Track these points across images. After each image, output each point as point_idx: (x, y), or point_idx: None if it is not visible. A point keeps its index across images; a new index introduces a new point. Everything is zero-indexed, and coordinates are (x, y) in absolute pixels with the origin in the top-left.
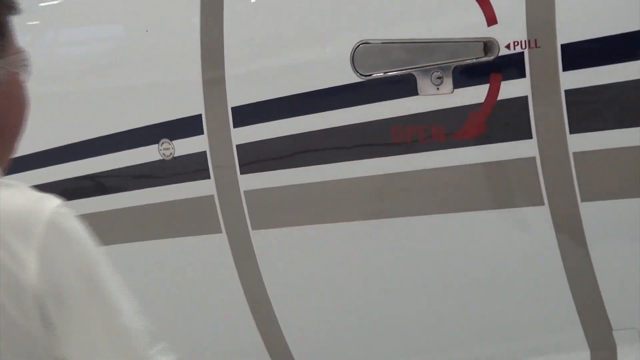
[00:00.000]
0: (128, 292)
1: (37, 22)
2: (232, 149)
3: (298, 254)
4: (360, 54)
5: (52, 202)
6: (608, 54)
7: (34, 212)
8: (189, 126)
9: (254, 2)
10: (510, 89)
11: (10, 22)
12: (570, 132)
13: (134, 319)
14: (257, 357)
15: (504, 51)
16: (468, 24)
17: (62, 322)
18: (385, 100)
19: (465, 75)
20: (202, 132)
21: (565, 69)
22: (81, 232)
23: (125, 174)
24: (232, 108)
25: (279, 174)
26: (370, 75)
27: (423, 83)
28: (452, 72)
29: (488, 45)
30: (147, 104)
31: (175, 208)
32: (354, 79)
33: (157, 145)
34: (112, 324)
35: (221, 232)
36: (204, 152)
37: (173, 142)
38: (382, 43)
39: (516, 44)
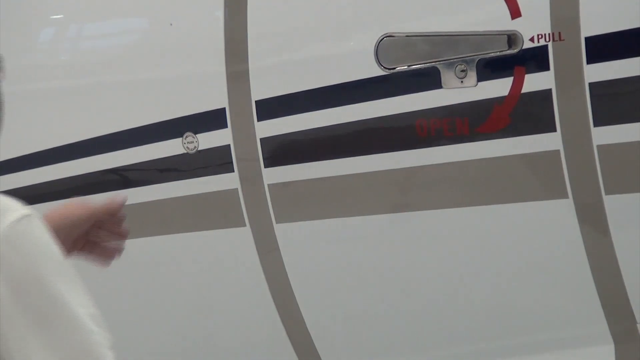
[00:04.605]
0: (90, 309)
1: (61, 16)
2: (256, 143)
3: (322, 248)
4: (384, 47)
5: (12, 214)
6: (633, 47)
7: None
8: (213, 120)
9: None
10: (534, 82)
11: None
12: (595, 125)
13: (77, 335)
14: (280, 350)
15: (528, 44)
16: (492, 17)
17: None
18: (409, 93)
19: (489, 69)
20: (226, 126)
21: (589, 61)
22: (43, 245)
23: (149, 168)
24: (256, 101)
25: (302, 167)
26: (394, 68)
27: (447, 76)
28: (476, 65)
29: (512, 38)
30: (171, 97)
31: (199, 201)
32: (378, 72)
33: (181, 138)
34: (49, 333)
35: (245, 225)
36: (228, 146)
37: (197, 135)
38: (406, 36)
39: (540, 36)
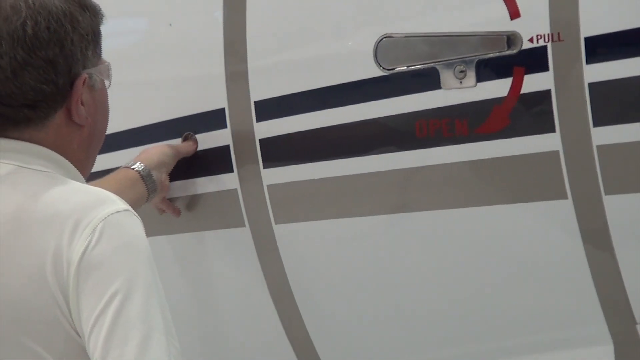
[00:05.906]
0: (165, 305)
1: None
2: (255, 143)
3: (321, 248)
4: (383, 48)
5: (115, 206)
6: (632, 47)
7: (95, 210)
8: (212, 120)
9: None
10: (534, 82)
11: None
12: (594, 126)
13: (153, 323)
14: (280, 351)
15: (527, 44)
16: (491, 18)
17: (83, 295)
18: (408, 94)
19: (489, 69)
20: (225, 126)
21: (589, 62)
22: (133, 236)
23: None
24: (255, 102)
25: (302, 168)
26: (393, 69)
27: (446, 77)
28: (475, 66)
29: (511, 39)
30: (171, 97)
31: (198, 202)
32: (377, 72)
33: (180, 139)
34: (125, 314)
35: (244, 225)
36: (227, 146)
37: (196, 135)
38: (405, 37)
39: (539, 37)
